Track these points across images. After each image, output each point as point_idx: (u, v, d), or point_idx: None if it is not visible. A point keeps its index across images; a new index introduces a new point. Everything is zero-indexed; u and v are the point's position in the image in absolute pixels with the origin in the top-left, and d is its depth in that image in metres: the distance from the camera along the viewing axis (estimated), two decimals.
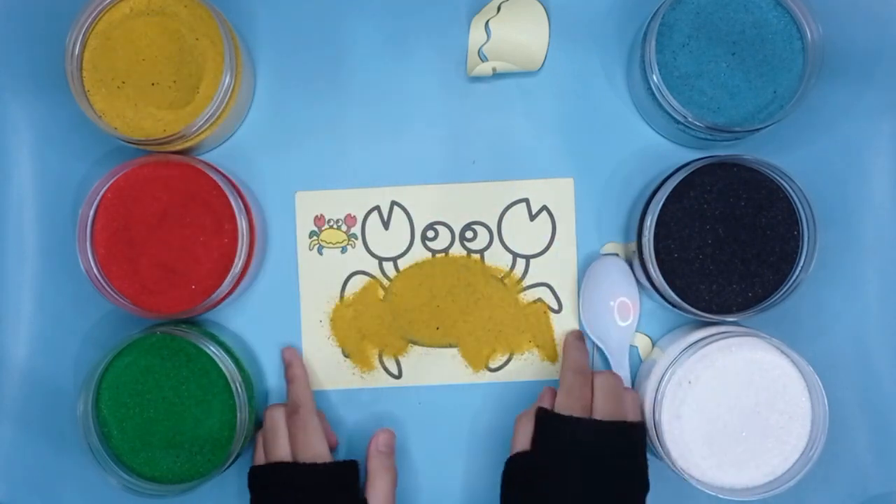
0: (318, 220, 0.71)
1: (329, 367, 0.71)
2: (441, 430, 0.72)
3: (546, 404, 0.64)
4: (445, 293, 0.71)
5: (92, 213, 0.67)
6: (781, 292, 0.66)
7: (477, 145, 0.72)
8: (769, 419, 0.66)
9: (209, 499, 0.71)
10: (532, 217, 0.70)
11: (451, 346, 0.71)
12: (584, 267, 0.72)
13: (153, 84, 0.67)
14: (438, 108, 0.72)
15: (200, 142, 0.68)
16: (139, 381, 0.67)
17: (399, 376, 0.72)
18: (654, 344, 0.72)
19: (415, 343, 0.71)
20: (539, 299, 0.71)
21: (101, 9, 0.67)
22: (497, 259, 0.71)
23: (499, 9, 0.69)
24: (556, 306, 0.70)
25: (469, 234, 0.71)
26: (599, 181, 0.72)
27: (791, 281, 0.66)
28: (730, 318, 0.66)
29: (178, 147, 0.67)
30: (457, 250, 0.71)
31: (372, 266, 0.71)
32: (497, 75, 0.71)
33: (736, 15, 0.66)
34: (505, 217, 0.71)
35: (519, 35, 0.69)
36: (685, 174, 0.65)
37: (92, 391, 0.66)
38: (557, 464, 0.61)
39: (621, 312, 0.71)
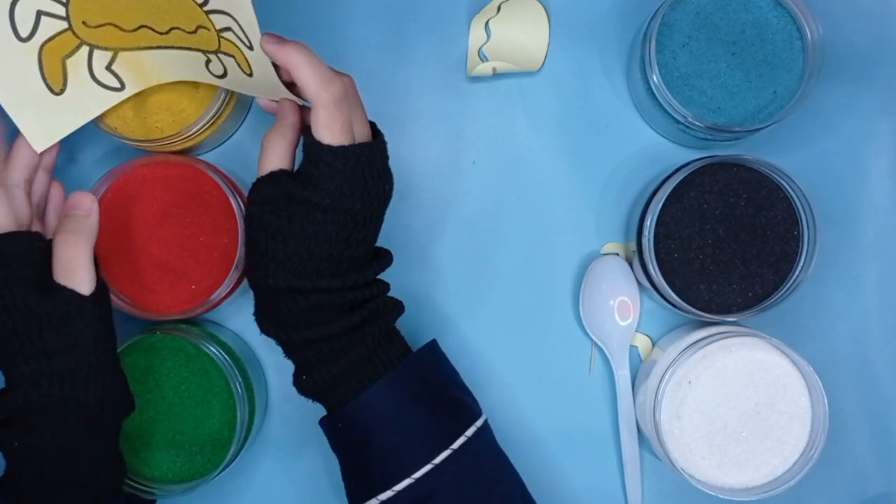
0: None
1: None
2: None
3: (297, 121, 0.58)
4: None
5: None
6: (781, 292, 0.66)
7: (477, 145, 0.72)
8: (769, 419, 0.66)
9: (209, 499, 0.71)
10: None
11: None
12: (585, 267, 0.72)
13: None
14: (438, 108, 0.72)
15: (200, 142, 0.68)
16: (139, 381, 0.67)
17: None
18: (654, 344, 0.72)
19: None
20: (228, 28, 0.56)
21: None
22: None
23: (499, 9, 0.69)
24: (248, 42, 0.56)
25: None
26: (599, 181, 0.72)
27: (791, 281, 0.66)
28: (730, 318, 0.66)
29: (178, 147, 0.67)
30: None
31: None
32: (497, 75, 0.71)
33: (736, 15, 0.66)
34: None
35: (519, 35, 0.69)
36: (685, 174, 0.65)
37: None
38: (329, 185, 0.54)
39: (621, 312, 0.71)
